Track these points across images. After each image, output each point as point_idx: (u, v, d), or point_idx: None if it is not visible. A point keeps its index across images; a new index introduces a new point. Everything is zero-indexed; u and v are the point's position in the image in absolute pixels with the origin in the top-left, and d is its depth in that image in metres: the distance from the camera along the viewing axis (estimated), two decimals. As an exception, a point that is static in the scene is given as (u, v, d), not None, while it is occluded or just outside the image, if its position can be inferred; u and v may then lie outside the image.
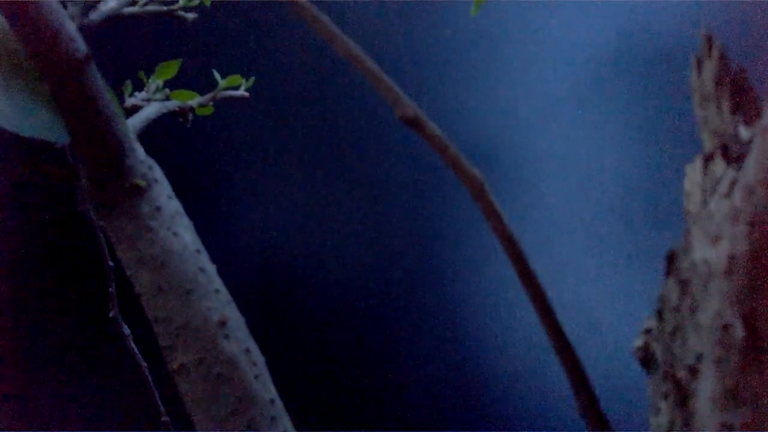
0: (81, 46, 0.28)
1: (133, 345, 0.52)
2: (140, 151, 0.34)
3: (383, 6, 0.71)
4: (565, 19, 0.71)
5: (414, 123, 0.25)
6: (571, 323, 0.75)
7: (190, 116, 0.53)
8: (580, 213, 0.70)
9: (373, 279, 0.73)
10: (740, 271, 0.17)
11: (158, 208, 0.33)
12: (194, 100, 0.51)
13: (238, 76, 0.52)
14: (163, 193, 0.33)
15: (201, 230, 0.37)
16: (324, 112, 0.71)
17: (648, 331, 0.23)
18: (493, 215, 0.24)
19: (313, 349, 0.74)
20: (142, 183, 0.32)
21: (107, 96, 0.30)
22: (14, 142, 0.32)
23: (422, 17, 0.72)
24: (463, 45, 0.71)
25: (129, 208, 0.32)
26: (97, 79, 0.29)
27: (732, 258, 0.17)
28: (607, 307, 0.69)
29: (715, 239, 0.18)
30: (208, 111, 0.54)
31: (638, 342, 0.23)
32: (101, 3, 0.44)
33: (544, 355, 0.69)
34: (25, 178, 0.38)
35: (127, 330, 0.52)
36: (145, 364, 0.51)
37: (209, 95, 0.52)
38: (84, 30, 0.43)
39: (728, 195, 0.20)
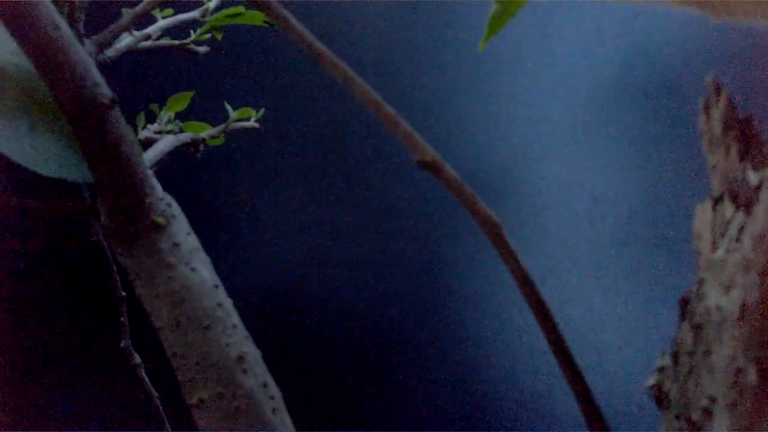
0: (106, 91, 0.29)
1: (144, 374, 0.52)
2: (158, 187, 0.35)
3: (390, 37, 0.72)
4: (568, 48, 0.72)
5: (432, 167, 0.25)
6: (578, 348, 0.76)
7: (201, 147, 0.54)
8: (584, 239, 0.71)
9: (379, 298, 0.74)
10: (752, 319, 0.17)
11: (177, 244, 0.33)
12: (206, 132, 0.52)
13: (249, 108, 0.53)
14: (182, 230, 0.34)
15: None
16: (330, 140, 0.72)
17: (661, 370, 0.23)
18: (509, 256, 0.25)
19: (319, 366, 0.74)
20: (161, 221, 0.33)
21: (130, 138, 0.31)
22: (31, 177, 0.33)
23: (428, 48, 0.73)
24: (468, 75, 0.72)
25: (149, 244, 0.33)
26: (121, 122, 0.30)
27: (744, 306, 0.18)
28: (612, 332, 0.69)
29: (728, 288, 0.18)
30: (219, 141, 0.55)
31: (651, 380, 0.23)
32: (117, 40, 0.45)
33: (548, 365, 0.70)
34: (42, 211, 0.38)
35: (138, 359, 0.53)
36: (157, 395, 0.52)
37: (220, 127, 0.53)
38: (99, 65, 0.44)
39: (738, 240, 0.21)
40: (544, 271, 0.71)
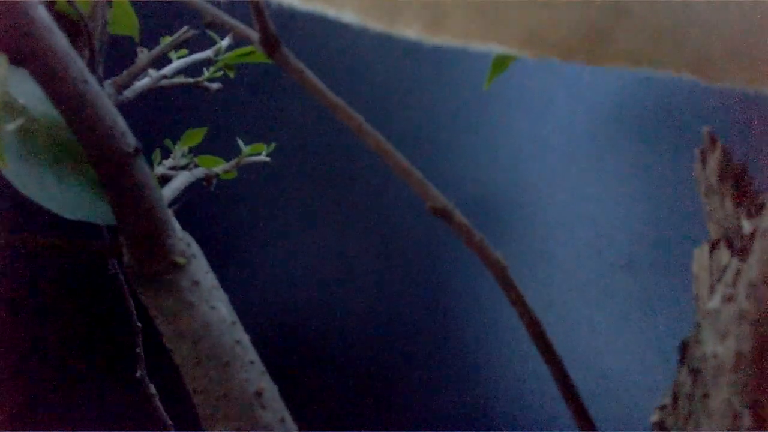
0: (131, 140, 0.30)
1: (159, 404, 0.53)
2: (178, 228, 0.36)
3: (401, 75, 0.74)
4: (570, 81, 0.74)
5: (443, 213, 0.27)
6: (584, 372, 0.77)
7: (214, 181, 0.55)
8: (589, 267, 0.72)
9: (385, 323, 0.75)
10: (746, 366, 0.19)
11: (196, 283, 0.35)
12: (219, 167, 0.54)
13: (261, 144, 0.55)
14: (201, 268, 0.35)
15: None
16: (339, 171, 0.73)
17: (663, 408, 0.25)
18: (516, 297, 0.26)
19: (326, 388, 0.75)
20: (182, 260, 0.34)
21: (152, 183, 0.32)
22: (51, 218, 0.34)
23: (437, 85, 0.75)
24: (476, 111, 0.74)
25: (169, 283, 0.34)
26: (145, 169, 0.31)
27: (739, 354, 0.19)
28: (617, 357, 0.70)
29: (723, 336, 0.19)
30: (232, 175, 0.56)
31: (654, 417, 0.24)
32: (135, 81, 0.46)
33: (549, 388, 0.70)
34: (66, 249, 0.40)
35: (153, 389, 0.54)
36: (171, 423, 0.53)
37: (233, 162, 0.54)
38: (118, 105, 0.46)
39: (734, 285, 0.22)
40: (550, 297, 0.72)
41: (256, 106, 0.68)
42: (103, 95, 0.29)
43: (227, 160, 0.56)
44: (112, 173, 0.30)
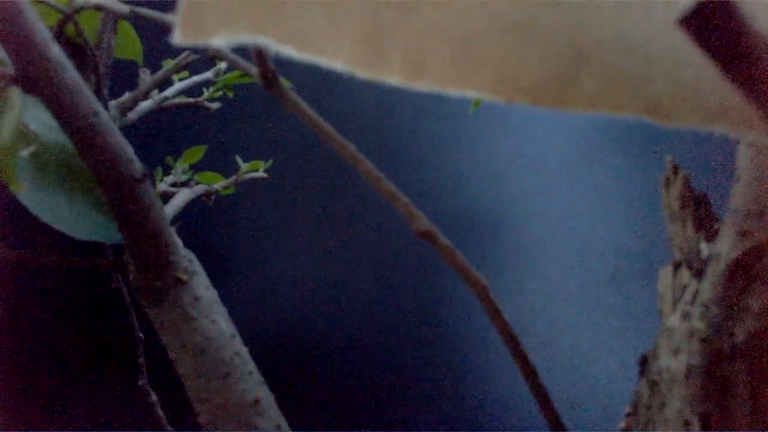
0: (138, 166, 0.32)
1: (160, 411, 0.55)
2: (180, 245, 0.38)
3: (391, 95, 0.76)
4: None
5: (428, 235, 0.29)
6: (570, 380, 0.79)
7: (213, 197, 0.57)
8: (575, 279, 0.74)
9: (379, 337, 0.77)
10: (696, 379, 0.21)
11: (198, 298, 0.37)
12: (219, 183, 0.56)
13: (259, 161, 0.57)
14: (202, 284, 0.38)
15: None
16: (334, 188, 0.75)
17: (628, 415, 0.27)
18: (495, 315, 0.28)
19: (323, 403, 0.77)
20: (184, 277, 0.36)
21: (157, 205, 0.34)
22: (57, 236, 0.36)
23: (426, 103, 0.77)
24: (465, 127, 0.76)
25: (173, 298, 0.36)
26: (150, 193, 0.33)
27: (689, 368, 0.21)
28: (601, 366, 0.72)
29: (676, 352, 0.22)
30: (230, 191, 0.58)
31: (622, 424, 0.26)
32: (138, 104, 0.49)
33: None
34: (74, 266, 0.42)
35: (154, 397, 0.55)
36: (172, 429, 0.55)
37: (232, 178, 0.56)
38: (122, 128, 0.48)
39: (692, 304, 0.25)
40: (537, 308, 0.74)
41: (253, 125, 0.71)
42: (111, 125, 0.31)
43: (226, 176, 0.58)
44: (119, 197, 0.32)
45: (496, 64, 0.22)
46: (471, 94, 0.22)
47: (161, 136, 0.63)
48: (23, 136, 0.34)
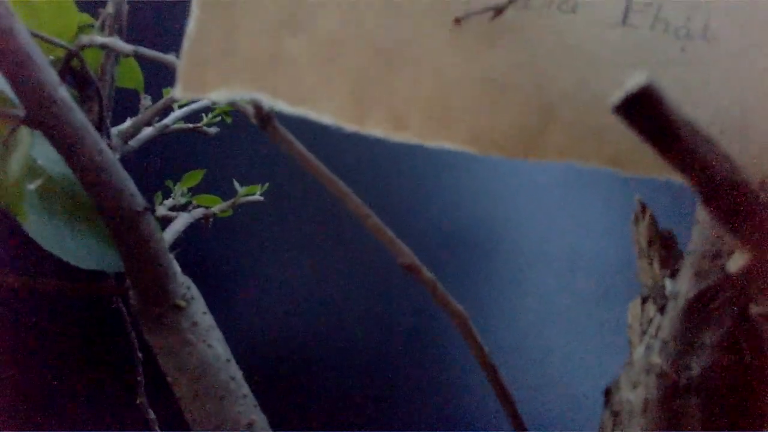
0: (140, 200, 0.34)
1: (158, 429, 0.57)
2: (178, 272, 0.40)
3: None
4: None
5: (412, 268, 0.31)
6: (560, 397, 0.81)
7: (211, 219, 0.59)
8: (565, 297, 0.76)
9: (375, 358, 0.78)
10: (652, 412, 0.22)
11: (195, 323, 0.39)
12: (217, 207, 0.57)
13: (256, 186, 0.59)
14: (199, 309, 0.39)
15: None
16: (329, 211, 0.77)
17: (600, 441, 0.28)
18: (475, 344, 0.30)
19: (317, 423, 0.78)
20: (182, 303, 0.38)
21: (157, 235, 0.36)
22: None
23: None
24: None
25: (171, 323, 0.38)
26: (151, 223, 0.35)
27: (646, 401, 0.23)
28: (592, 384, 0.73)
29: (635, 385, 0.23)
30: (228, 214, 0.60)
31: (593, 449, 0.28)
32: (140, 131, 0.50)
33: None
34: (78, 292, 0.43)
35: (152, 414, 0.57)
36: (169, 446, 0.56)
37: (229, 202, 0.58)
38: (122, 156, 0.50)
39: (656, 337, 0.26)
40: (528, 325, 0.75)
41: (250, 149, 0.72)
42: (115, 162, 0.33)
43: (224, 198, 0.60)
44: (122, 229, 0.34)
45: (471, 120, 0.23)
46: (447, 146, 0.24)
47: (161, 160, 0.65)
48: (31, 169, 0.36)
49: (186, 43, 0.23)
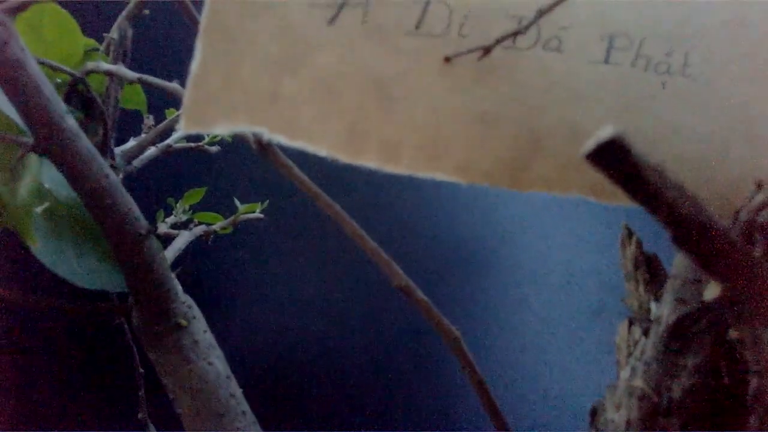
0: (143, 223, 0.35)
1: (158, 443, 0.58)
2: (180, 291, 0.41)
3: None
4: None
5: (405, 290, 0.32)
6: (556, 412, 0.81)
7: (212, 236, 0.60)
8: (561, 312, 0.77)
9: (372, 372, 0.79)
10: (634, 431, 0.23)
11: (196, 342, 0.40)
12: (217, 224, 0.59)
13: (256, 204, 0.60)
14: (200, 328, 0.40)
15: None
16: (327, 227, 0.78)
17: (586, 460, 0.29)
18: (466, 362, 0.31)
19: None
20: (183, 322, 0.39)
21: (160, 256, 0.37)
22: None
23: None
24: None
25: (173, 342, 0.39)
26: (154, 247, 0.36)
27: (628, 422, 0.24)
28: (587, 398, 0.74)
29: (618, 406, 0.24)
30: (228, 231, 0.61)
31: (580, 467, 0.29)
32: (144, 151, 0.52)
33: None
34: (81, 312, 0.45)
35: (153, 429, 0.58)
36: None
37: (230, 219, 0.59)
38: (126, 176, 0.51)
39: (640, 359, 0.27)
40: (525, 340, 0.76)
41: (251, 167, 0.74)
42: (120, 187, 0.34)
43: (224, 215, 0.61)
44: (126, 251, 0.35)
45: (461, 152, 0.25)
46: (438, 177, 0.25)
47: (163, 178, 0.66)
48: (38, 193, 0.37)
49: (190, 81, 0.24)
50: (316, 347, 0.79)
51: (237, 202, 0.60)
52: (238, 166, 0.73)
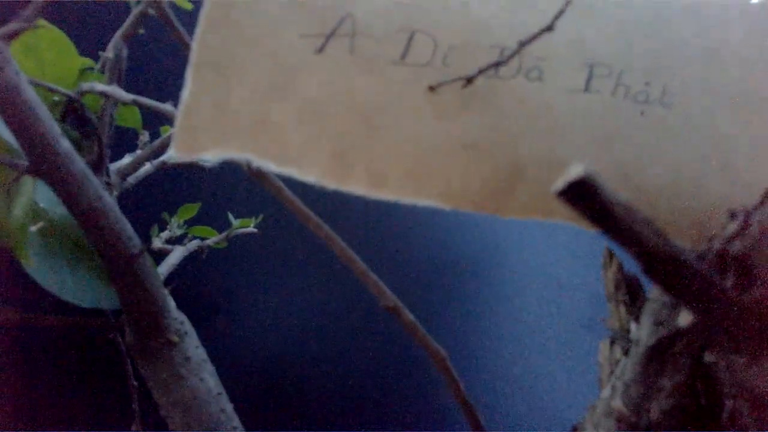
0: (136, 242, 0.36)
1: (152, 456, 0.58)
2: (173, 307, 0.42)
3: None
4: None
5: (394, 310, 0.32)
6: (546, 423, 0.82)
7: (206, 250, 0.61)
8: (553, 325, 0.77)
9: (366, 383, 0.80)
10: (612, 452, 0.24)
11: (188, 358, 0.40)
12: (211, 239, 0.59)
13: (250, 219, 0.61)
14: (192, 344, 0.41)
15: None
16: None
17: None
18: (453, 382, 0.32)
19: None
20: (175, 339, 0.39)
21: (153, 273, 0.38)
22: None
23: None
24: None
25: (165, 358, 0.40)
26: (147, 265, 0.37)
27: (607, 442, 0.24)
28: (578, 410, 0.75)
29: (596, 426, 0.25)
30: (222, 245, 0.62)
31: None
32: (139, 168, 0.52)
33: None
34: (76, 327, 0.45)
35: (147, 442, 0.58)
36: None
37: (224, 234, 0.60)
38: (121, 193, 0.52)
39: (620, 379, 0.28)
40: (517, 352, 0.77)
41: (245, 182, 0.74)
42: (114, 207, 0.35)
43: (218, 230, 0.62)
44: (119, 270, 0.36)
45: (445, 178, 0.25)
46: (423, 202, 0.26)
47: (158, 193, 0.67)
48: (33, 212, 0.37)
49: (181, 109, 0.24)
50: (310, 360, 0.79)
51: (231, 217, 0.61)
52: (233, 181, 0.74)
